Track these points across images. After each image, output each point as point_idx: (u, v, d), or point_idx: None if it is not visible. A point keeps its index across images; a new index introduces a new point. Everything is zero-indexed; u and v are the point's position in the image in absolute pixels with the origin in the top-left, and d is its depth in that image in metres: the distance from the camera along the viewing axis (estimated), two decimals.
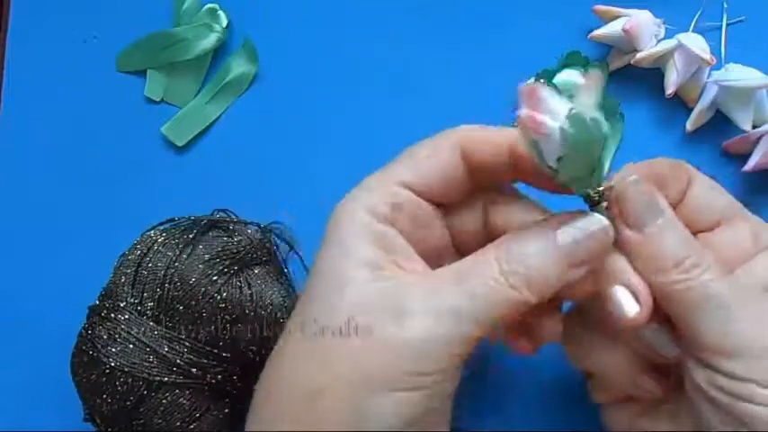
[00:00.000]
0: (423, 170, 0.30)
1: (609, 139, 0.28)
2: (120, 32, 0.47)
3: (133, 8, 0.47)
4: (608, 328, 0.31)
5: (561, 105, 0.26)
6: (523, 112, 0.26)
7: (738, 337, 0.27)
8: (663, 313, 0.29)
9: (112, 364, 0.35)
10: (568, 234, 0.28)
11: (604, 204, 0.29)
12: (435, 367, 0.26)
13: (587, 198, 0.29)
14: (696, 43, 0.41)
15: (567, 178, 0.28)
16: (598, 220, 0.28)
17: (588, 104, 0.27)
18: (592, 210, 0.29)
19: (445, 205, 0.32)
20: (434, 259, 0.31)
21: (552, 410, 0.40)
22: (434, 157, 0.30)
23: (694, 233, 0.30)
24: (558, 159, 0.27)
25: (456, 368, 0.27)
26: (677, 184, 0.31)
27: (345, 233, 0.29)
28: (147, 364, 0.35)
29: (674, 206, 0.31)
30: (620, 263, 0.29)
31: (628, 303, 0.29)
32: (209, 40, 0.46)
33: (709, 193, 0.32)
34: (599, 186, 0.29)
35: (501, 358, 0.41)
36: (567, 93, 0.27)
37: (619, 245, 0.29)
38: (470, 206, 0.32)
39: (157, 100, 0.46)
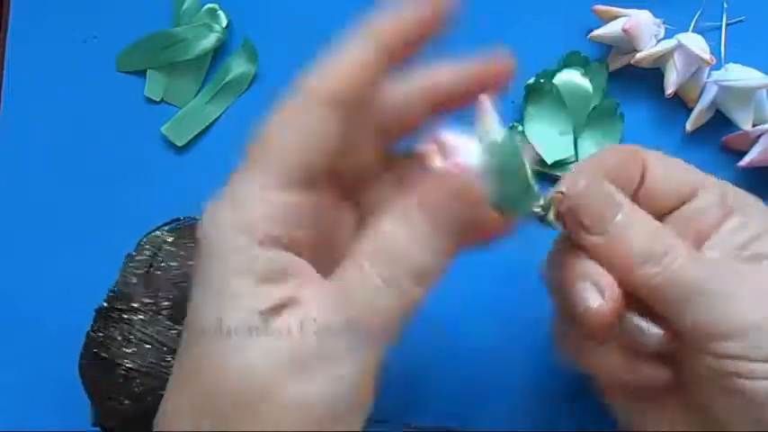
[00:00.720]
0: (300, 155, 0.25)
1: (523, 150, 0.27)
2: (120, 32, 0.47)
3: (133, 8, 0.47)
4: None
5: (470, 143, 0.26)
6: (447, 167, 0.25)
7: (725, 318, 0.27)
8: (640, 303, 0.28)
9: (128, 366, 0.35)
10: (433, 208, 0.25)
11: (550, 214, 0.28)
12: (351, 409, 0.24)
13: (536, 216, 0.28)
14: (696, 43, 0.41)
15: (515, 206, 0.27)
16: (454, 179, 0.26)
17: (490, 128, 0.26)
18: (543, 224, 0.28)
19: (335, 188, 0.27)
20: (340, 246, 0.27)
21: (541, 410, 0.40)
22: (307, 132, 0.25)
23: (664, 213, 0.30)
24: (497, 194, 0.26)
25: (372, 383, 0.25)
26: (632, 169, 0.30)
27: (223, 271, 0.24)
28: (164, 364, 0.35)
29: (635, 192, 0.30)
30: (580, 262, 0.28)
31: (591, 297, 0.27)
32: (209, 40, 0.46)
33: (668, 170, 0.31)
34: (539, 200, 0.28)
35: (496, 360, 0.41)
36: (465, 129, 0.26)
37: (586, 250, 0.29)
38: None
39: (157, 100, 0.46)
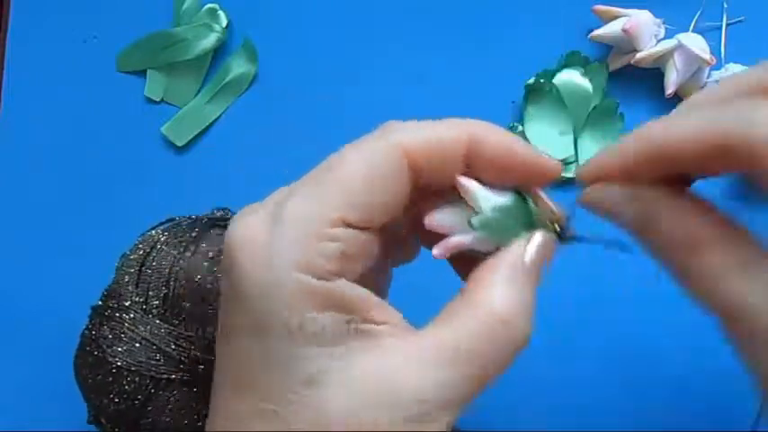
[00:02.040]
0: (362, 200, 0.24)
1: (526, 196, 0.26)
2: (120, 32, 0.47)
3: (133, 8, 0.47)
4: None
5: (461, 216, 0.26)
6: (441, 250, 0.26)
7: None
8: None
9: (119, 364, 0.35)
10: (530, 257, 0.25)
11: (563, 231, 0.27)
12: None
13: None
14: (696, 43, 0.41)
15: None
16: (542, 235, 0.26)
17: (481, 199, 0.26)
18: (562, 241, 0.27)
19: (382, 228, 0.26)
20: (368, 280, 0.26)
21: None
22: (374, 170, 0.24)
23: None
24: (497, 248, 0.26)
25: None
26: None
27: (291, 306, 0.22)
28: (153, 363, 0.35)
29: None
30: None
31: None
32: (209, 40, 0.46)
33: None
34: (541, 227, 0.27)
35: None
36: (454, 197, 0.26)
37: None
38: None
39: (157, 100, 0.46)
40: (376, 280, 0.27)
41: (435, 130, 0.25)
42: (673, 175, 0.25)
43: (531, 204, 0.27)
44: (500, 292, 0.24)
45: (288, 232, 0.23)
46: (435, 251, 0.26)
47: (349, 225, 0.23)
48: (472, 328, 0.24)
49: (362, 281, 0.24)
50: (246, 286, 0.23)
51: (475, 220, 0.26)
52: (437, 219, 0.26)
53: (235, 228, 0.24)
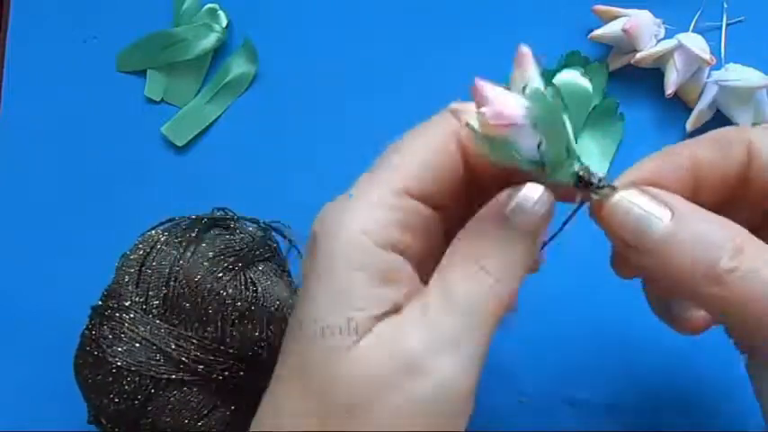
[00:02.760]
0: (421, 171, 0.26)
1: (566, 107, 0.25)
2: (120, 32, 0.47)
3: (133, 8, 0.47)
4: None
5: (509, 93, 0.25)
6: (488, 112, 0.24)
7: None
8: None
9: (119, 364, 0.35)
10: (521, 213, 0.25)
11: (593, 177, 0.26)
12: (462, 403, 0.24)
13: (579, 180, 0.26)
14: (696, 43, 0.41)
15: (553, 166, 0.25)
16: (534, 188, 0.25)
17: (534, 77, 0.25)
18: (581, 192, 0.26)
19: (441, 207, 0.28)
20: (431, 264, 0.28)
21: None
22: (432, 151, 0.27)
23: None
24: (539, 146, 0.24)
25: (476, 382, 0.25)
26: (728, 156, 0.27)
27: (341, 264, 0.25)
28: (153, 363, 0.35)
29: (744, 176, 0.27)
30: None
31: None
32: (209, 40, 0.46)
33: None
34: (579, 163, 0.26)
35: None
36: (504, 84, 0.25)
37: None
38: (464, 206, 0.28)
39: (157, 100, 0.46)
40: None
41: None
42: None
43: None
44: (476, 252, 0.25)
45: (356, 204, 0.26)
46: (486, 113, 0.24)
47: (413, 196, 0.26)
48: (454, 279, 0.25)
49: (423, 265, 0.26)
50: (321, 244, 0.26)
51: (530, 88, 0.24)
52: (486, 84, 0.24)
53: (322, 209, 0.27)
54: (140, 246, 0.37)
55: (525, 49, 0.25)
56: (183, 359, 0.35)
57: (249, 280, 0.37)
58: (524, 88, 0.24)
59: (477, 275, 0.25)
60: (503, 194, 0.26)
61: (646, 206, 0.25)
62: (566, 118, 0.25)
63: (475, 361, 0.25)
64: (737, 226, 0.25)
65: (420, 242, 0.27)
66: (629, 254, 0.26)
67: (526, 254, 0.26)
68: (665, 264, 0.25)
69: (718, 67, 0.42)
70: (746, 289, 0.24)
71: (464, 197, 0.28)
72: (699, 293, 0.24)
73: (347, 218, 0.25)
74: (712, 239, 0.24)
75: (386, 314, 0.25)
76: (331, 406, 0.24)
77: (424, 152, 0.27)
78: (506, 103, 0.24)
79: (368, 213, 0.25)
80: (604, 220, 0.26)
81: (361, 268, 0.25)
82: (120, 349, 0.35)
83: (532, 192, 0.25)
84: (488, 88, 0.24)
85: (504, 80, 0.25)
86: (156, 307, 0.36)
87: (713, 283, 0.24)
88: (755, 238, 0.25)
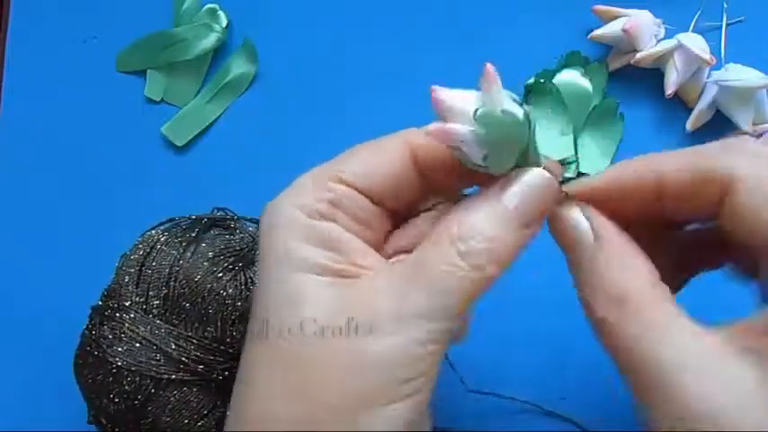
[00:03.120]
0: (364, 167, 0.28)
1: (532, 121, 0.26)
2: (120, 32, 0.47)
3: (133, 8, 0.47)
4: None
5: (468, 106, 0.25)
6: (431, 127, 0.25)
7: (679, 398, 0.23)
8: None
9: (119, 364, 0.35)
10: (515, 195, 0.26)
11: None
12: (418, 372, 0.25)
13: None
14: (696, 43, 0.41)
15: (501, 171, 0.26)
16: (539, 173, 0.26)
17: (496, 97, 0.25)
18: None
19: (397, 210, 0.29)
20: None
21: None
22: (378, 154, 0.28)
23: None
24: (484, 158, 0.25)
25: (437, 363, 0.26)
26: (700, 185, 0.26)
27: (282, 236, 0.27)
28: (154, 363, 0.35)
29: (716, 213, 0.26)
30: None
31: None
32: (209, 40, 0.46)
33: (760, 184, 0.25)
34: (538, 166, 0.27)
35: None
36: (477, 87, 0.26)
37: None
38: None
39: (157, 100, 0.46)
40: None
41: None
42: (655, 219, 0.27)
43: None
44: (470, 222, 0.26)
45: (295, 186, 0.28)
46: (430, 127, 0.26)
47: (346, 183, 0.27)
48: (436, 255, 0.26)
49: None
50: (262, 225, 0.28)
51: (481, 111, 0.25)
52: (443, 93, 0.26)
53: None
54: (140, 246, 0.37)
55: (489, 68, 0.26)
56: (184, 359, 0.35)
57: (249, 280, 0.37)
58: (476, 111, 0.25)
59: (453, 257, 0.25)
60: (499, 182, 0.26)
61: (578, 224, 0.27)
62: (525, 131, 0.25)
63: (436, 339, 0.25)
64: (644, 273, 0.26)
65: (356, 226, 0.27)
66: (567, 258, 0.27)
67: (515, 244, 0.26)
68: (585, 279, 0.26)
69: (718, 67, 0.42)
70: (630, 335, 0.24)
71: (416, 199, 0.29)
72: (595, 316, 0.25)
73: (283, 197, 0.28)
74: (614, 281, 0.25)
75: (341, 275, 0.26)
76: (287, 360, 0.25)
77: (369, 153, 0.28)
78: (453, 120, 0.25)
79: (303, 192, 0.27)
80: (550, 225, 0.28)
81: (302, 238, 0.26)
82: (120, 349, 0.35)
83: (531, 178, 0.26)
84: (442, 100, 0.26)
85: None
86: (157, 307, 0.36)
87: (603, 325, 0.25)
88: (659, 297, 0.25)
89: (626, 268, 0.26)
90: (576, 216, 0.27)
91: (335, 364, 0.25)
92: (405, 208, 0.29)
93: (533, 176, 0.26)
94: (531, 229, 0.26)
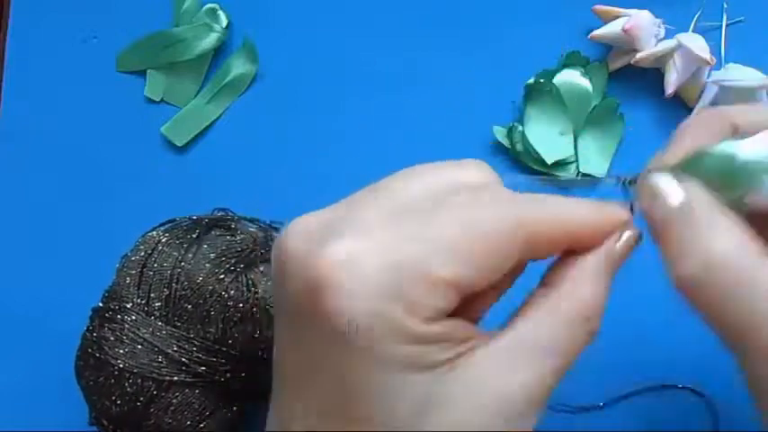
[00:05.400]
0: (476, 270, 0.23)
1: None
2: (120, 32, 0.47)
3: (133, 8, 0.47)
4: None
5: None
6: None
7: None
8: None
9: (121, 366, 0.35)
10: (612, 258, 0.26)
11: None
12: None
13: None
14: (696, 43, 0.41)
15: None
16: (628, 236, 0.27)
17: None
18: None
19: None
20: None
21: None
22: (493, 256, 0.24)
23: None
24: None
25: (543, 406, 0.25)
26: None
27: (382, 340, 0.22)
28: (155, 365, 0.35)
29: None
30: None
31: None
32: (209, 40, 0.46)
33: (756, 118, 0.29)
34: None
35: None
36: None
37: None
38: None
39: (157, 100, 0.46)
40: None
41: (566, 211, 0.26)
42: None
43: None
44: (588, 289, 0.25)
45: (389, 286, 0.22)
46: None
47: (459, 291, 0.23)
48: (553, 322, 0.25)
49: None
50: (337, 312, 0.22)
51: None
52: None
53: (292, 235, 0.24)
54: (141, 247, 0.37)
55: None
56: (185, 361, 0.35)
57: (250, 281, 0.37)
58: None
59: (584, 337, 0.25)
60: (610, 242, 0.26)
61: (665, 185, 0.26)
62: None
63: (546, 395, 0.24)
64: (735, 228, 0.25)
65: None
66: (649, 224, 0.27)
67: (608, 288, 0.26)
68: (665, 241, 0.26)
69: (718, 67, 0.42)
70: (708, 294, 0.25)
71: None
72: (674, 274, 0.25)
73: (384, 303, 0.22)
74: (693, 247, 0.25)
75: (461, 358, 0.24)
76: None
77: (484, 254, 0.24)
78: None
79: (406, 288, 0.23)
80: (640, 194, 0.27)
81: (414, 341, 0.23)
82: (121, 351, 0.35)
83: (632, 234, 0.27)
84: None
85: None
86: (158, 309, 0.36)
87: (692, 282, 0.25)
88: (744, 245, 0.25)
89: (714, 226, 0.25)
90: (665, 180, 0.27)
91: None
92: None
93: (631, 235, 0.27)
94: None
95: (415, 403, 0.23)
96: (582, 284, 0.25)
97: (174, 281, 0.36)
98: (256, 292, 0.36)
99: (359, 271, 0.22)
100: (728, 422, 0.39)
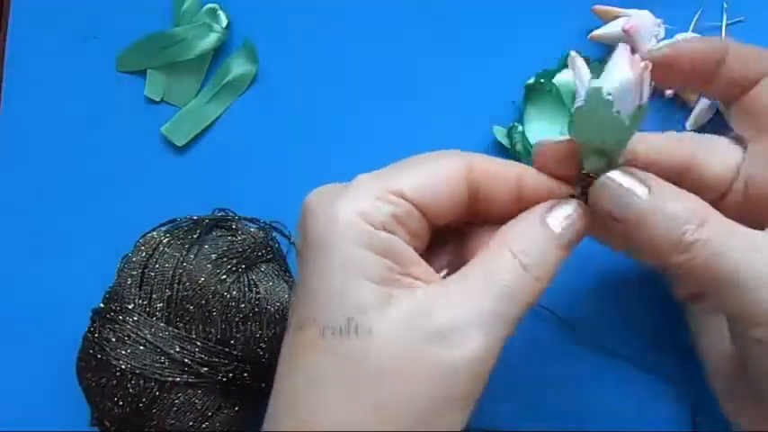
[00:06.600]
0: (425, 184, 0.28)
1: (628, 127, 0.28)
2: (120, 32, 0.47)
3: (133, 8, 0.47)
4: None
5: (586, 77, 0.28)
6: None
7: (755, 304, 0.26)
8: None
9: (123, 367, 0.35)
10: (557, 222, 0.29)
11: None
12: (483, 380, 0.26)
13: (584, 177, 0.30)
14: None
15: (595, 168, 0.29)
16: (575, 206, 0.29)
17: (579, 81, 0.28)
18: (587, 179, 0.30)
19: (438, 226, 0.30)
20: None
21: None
22: (439, 172, 0.28)
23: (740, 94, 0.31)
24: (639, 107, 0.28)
25: (493, 368, 0.27)
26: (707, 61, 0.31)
27: (342, 240, 0.27)
28: (158, 365, 0.35)
29: (709, 77, 0.31)
30: None
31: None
32: (209, 40, 0.46)
33: (744, 53, 0.32)
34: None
35: None
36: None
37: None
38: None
39: (157, 100, 0.46)
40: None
41: (494, 161, 0.30)
42: None
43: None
44: (525, 233, 0.28)
45: (352, 190, 0.28)
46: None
47: (408, 199, 0.28)
48: (499, 266, 0.27)
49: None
50: (314, 224, 0.27)
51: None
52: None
53: (311, 192, 0.29)
54: (142, 247, 0.37)
55: (574, 54, 0.29)
56: (187, 361, 0.35)
57: (252, 281, 0.37)
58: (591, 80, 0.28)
59: (517, 268, 0.27)
60: (544, 204, 0.29)
61: (627, 184, 0.28)
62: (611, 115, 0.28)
63: (499, 344, 0.26)
64: (702, 202, 0.28)
65: (413, 241, 0.28)
66: (616, 227, 0.29)
67: (559, 259, 0.28)
68: (642, 234, 0.28)
69: None
70: (708, 255, 0.27)
71: (458, 218, 0.30)
72: (670, 262, 0.27)
73: (342, 201, 0.27)
74: (680, 215, 0.27)
75: (399, 286, 0.27)
76: (361, 373, 0.25)
77: (431, 170, 0.28)
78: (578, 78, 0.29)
79: (364, 199, 0.27)
80: (594, 198, 0.29)
81: (364, 245, 0.26)
82: (123, 352, 0.35)
83: (568, 207, 0.29)
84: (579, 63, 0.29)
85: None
86: (160, 309, 0.36)
87: (682, 251, 0.27)
88: (716, 212, 0.28)
89: (679, 197, 0.28)
90: (625, 177, 0.29)
91: (414, 376, 0.25)
92: (443, 225, 0.30)
93: (573, 209, 0.29)
94: (568, 251, 0.29)
95: (356, 311, 0.26)
96: (518, 228, 0.28)
97: (176, 281, 0.36)
98: (258, 293, 0.37)
99: (335, 204, 0.27)
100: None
